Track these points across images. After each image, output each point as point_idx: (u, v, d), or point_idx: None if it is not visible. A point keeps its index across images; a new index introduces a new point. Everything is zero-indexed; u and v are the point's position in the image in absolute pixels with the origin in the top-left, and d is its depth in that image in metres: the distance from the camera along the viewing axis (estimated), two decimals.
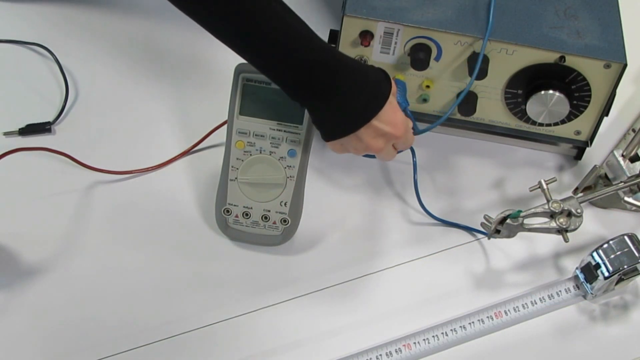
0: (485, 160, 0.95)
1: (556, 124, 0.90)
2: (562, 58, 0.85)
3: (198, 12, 0.71)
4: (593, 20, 0.88)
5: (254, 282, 0.83)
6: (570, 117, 0.89)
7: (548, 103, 0.87)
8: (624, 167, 0.88)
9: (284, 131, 0.81)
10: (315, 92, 0.73)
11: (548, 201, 0.83)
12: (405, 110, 0.81)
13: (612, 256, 0.81)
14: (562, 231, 0.82)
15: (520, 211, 0.82)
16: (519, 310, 0.81)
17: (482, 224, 0.83)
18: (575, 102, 0.88)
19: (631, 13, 0.93)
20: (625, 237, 0.82)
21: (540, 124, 0.91)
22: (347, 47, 0.88)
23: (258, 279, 0.84)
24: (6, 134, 0.92)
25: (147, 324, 0.80)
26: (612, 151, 0.91)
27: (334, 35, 0.89)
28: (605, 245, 0.82)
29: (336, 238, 0.87)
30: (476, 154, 0.96)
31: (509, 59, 0.86)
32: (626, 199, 0.88)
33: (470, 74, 0.86)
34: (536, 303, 0.82)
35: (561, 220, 0.83)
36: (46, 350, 0.78)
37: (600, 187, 0.89)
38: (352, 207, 0.90)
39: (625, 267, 0.81)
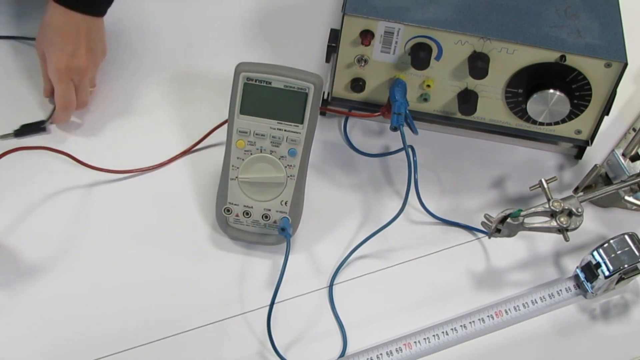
0: (485, 160, 0.95)
1: (557, 123, 0.90)
2: (563, 57, 0.85)
3: None
4: (593, 19, 0.88)
5: (254, 281, 0.83)
6: (570, 116, 0.89)
7: (549, 102, 0.87)
8: (625, 166, 0.89)
9: (285, 130, 0.81)
10: None
11: (549, 200, 0.83)
12: (404, 111, 0.81)
13: (613, 255, 0.81)
14: (562, 230, 0.82)
15: (520, 210, 0.82)
16: (519, 309, 0.81)
17: (483, 223, 0.83)
18: (575, 101, 0.88)
19: (631, 12, 0.93)
20: (626, 236, 0.82)
21: (541, 123, 0.91)
22: (348, 47, 0.88)
23: (258, 278, 0.84)
24: (1, 137, 0.90)
25: (148, 323, 0.80)
26: (612, 150, 0.91)
27: (335, 35, 0.89)
28: (606, 245, 0.82)
29: (336, 237, 0.87)
30: (476, 154, 0.96)
31: (509, 58, 0.86)
32: (627, 198, 0.88)
33: (471, 74, 0.87)
34: (536, 302, 0.82)
35: (562, 219, 0.83)
36: (46, 350, 0.77)
37: (600, 187, 0.89)
38: (353, 206, 0.90)
39: (626, 266, 0.81)
